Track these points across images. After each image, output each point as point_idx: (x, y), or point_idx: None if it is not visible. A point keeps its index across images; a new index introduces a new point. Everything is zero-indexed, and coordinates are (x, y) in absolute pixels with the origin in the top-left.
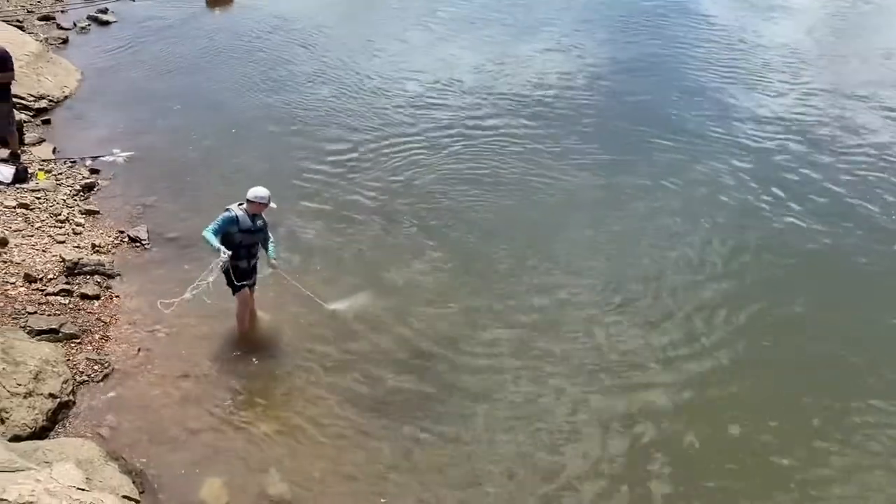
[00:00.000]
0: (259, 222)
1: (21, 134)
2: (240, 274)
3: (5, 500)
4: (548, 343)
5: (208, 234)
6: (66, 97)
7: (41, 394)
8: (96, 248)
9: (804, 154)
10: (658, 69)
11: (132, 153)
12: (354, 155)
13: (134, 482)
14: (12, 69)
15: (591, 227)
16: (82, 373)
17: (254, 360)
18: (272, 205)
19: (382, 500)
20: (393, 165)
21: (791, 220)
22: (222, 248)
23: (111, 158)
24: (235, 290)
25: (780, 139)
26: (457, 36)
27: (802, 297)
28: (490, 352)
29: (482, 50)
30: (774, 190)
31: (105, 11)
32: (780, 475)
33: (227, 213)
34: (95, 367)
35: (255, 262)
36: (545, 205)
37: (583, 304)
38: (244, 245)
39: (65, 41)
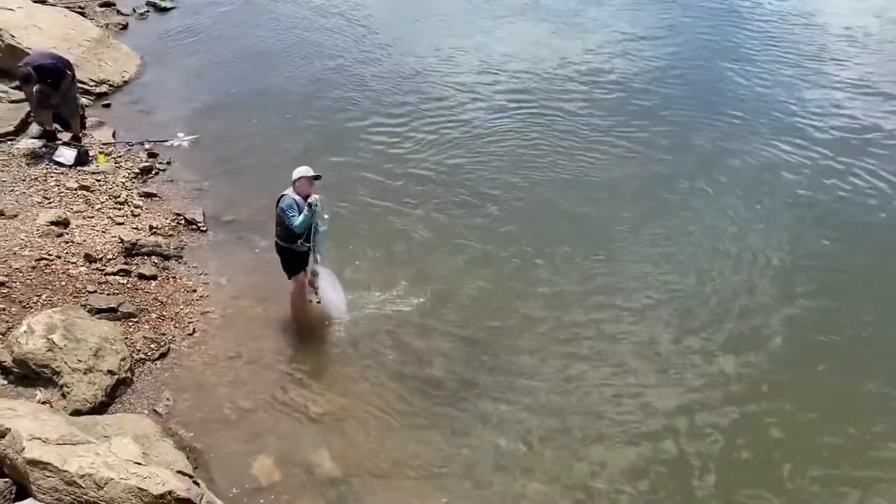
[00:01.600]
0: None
1: (83, 118)
2: (297, 257)
3: (67, 471)
4: (600, 332)
5: (298, 219)
6: (125, 82)
7: (101, 370)
8: (154, 230)
9: (874, 141)
10: (715, 50)
11: (196, 136)
12: (408, 139)
13: (188, 458)
14: (69, 67)
15: (645, 216)
16: (139, 351)
17: (305, 342)
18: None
19: (444, 501)
20: (444, 153)
21: (860, 210)
22: (309, 202)
23: (176, 143)
24: (291, 273)
25: (845, 125)
26: (507, 17)
27: (873, 296)
28: (542, 340)
29: (533, 30)
30: (844, 180)
31: None
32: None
33: (288, 200)
34: (152, 346)
35: (311, 246)
36: (599, 191)
37: (635, 294)
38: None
39: (124, 27)
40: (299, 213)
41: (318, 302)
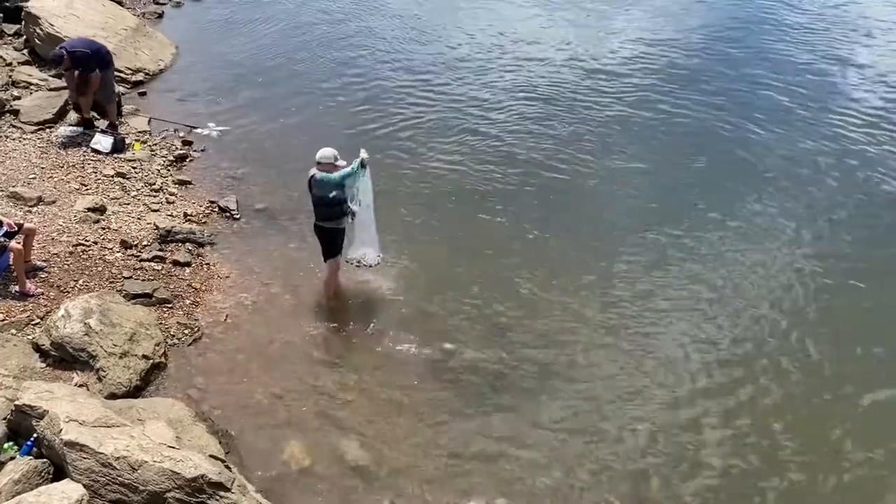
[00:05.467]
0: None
1: (119, 105)
2: (336, 236)
3: (102, 453)
4: (630, 327)
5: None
6: (161, 70)
7: (135, 355)
8: (188, 217)
9: None
10: (764, 38)
11: (227, 128)
12: (445, 128)
13: (220, 442)
14: (105, 56)
15: (682, 212)
16: (173, 336)
17: (337, 329)
18: (341, 162)
19: (470, 490)
20: (480, 144)
21: None
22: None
23: (206, 132)
24: (328, 256)
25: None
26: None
27: None
28: (575, 333)
29: (570, 22)
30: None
31: None
32: None
33: (318, 175)
34: (186, 332)
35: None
36: (637, 182)
37: (668, 288)
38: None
39: (160, 16)
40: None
41: (358, 264)
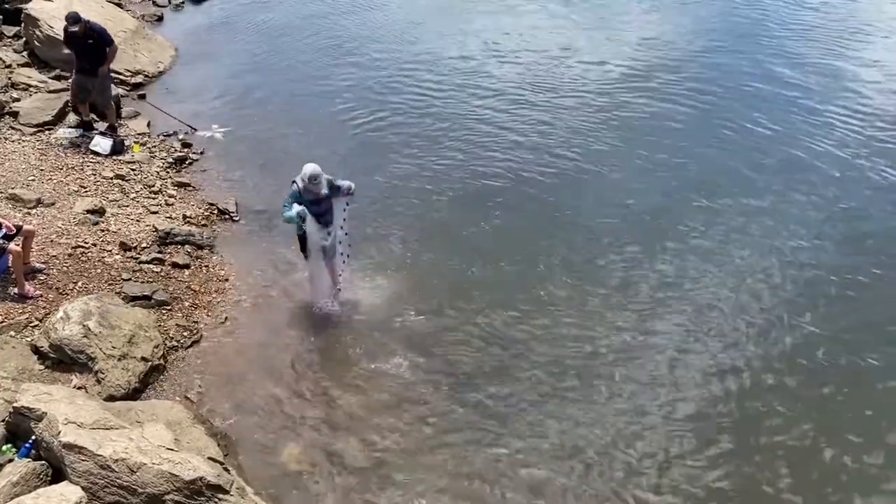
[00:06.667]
0: (324, 191)
1: (118, 108)
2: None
3: (101, 455)
4: (636, 334)
5: (286, 213)
6: (160, 73)
7: (134, 357)
8: (187, 219)
9: None
10: (765, 38)
11: (229, 128)
12: (445, 136)
13: (219, 445)
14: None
15: (686, 212)
16: (172, 338)
17: (335, 332)
18: (323, 189)
19: (468, 492)
20: (479, 146)
21: None
22: (297, 209)
23: (210, 133)
24: (307, 256)
25: None
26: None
27: None
28: (579, 341)
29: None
30: None
31: None
32: None
33: (292, 188)
34: (184, 334)
35: (331, 231)
36: (640, 185)
37: (673, 291)
38: (315, 214)
39: (160, 18)
40: (291, 206)
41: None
